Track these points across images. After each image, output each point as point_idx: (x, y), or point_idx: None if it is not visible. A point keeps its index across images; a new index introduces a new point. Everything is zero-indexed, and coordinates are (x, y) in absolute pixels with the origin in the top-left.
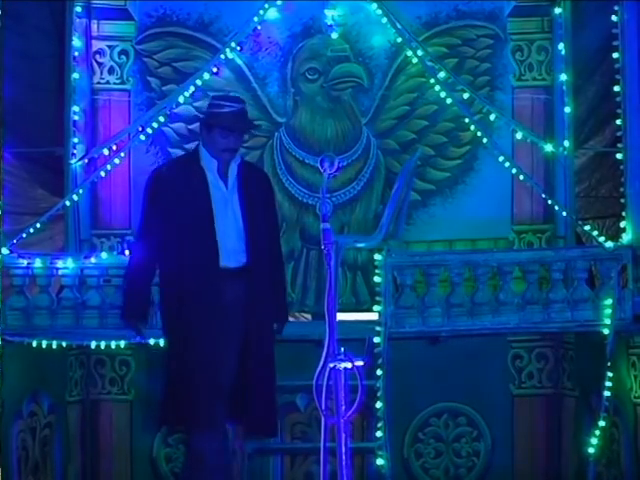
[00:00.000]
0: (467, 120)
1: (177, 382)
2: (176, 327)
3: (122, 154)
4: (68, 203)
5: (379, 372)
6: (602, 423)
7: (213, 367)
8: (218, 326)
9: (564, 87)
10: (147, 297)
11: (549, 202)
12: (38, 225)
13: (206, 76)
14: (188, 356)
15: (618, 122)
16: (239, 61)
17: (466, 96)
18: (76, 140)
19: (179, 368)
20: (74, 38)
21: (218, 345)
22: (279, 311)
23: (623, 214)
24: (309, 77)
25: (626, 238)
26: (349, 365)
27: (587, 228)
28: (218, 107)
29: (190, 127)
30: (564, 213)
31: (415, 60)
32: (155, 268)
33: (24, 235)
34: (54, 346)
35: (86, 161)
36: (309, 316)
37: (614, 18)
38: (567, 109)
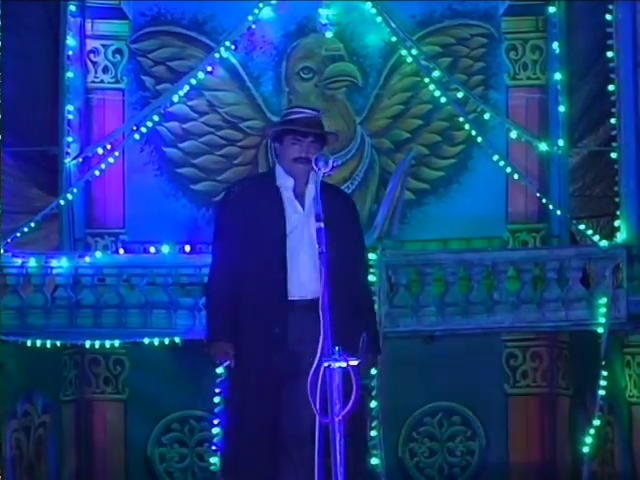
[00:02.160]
0: (461, 119)
1: (234, 437)
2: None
3: (116, 153)
4: (62, 202)
5: (373, 371)
6: (597, 422)
7: (270, 419)
8: (283, 368)
9: (558, 86)
10: (233, 318)
11: (543, 201)
12: (32, 224)
13: (200, 75)
14: (248, 405)
15: (612, 121)
16: (233, 60)
17: (460, 95)
18: (70, 139)
19: (238, 421)
20: (68, 37)
21: (280, 389)
22: (368, 340)
23: (617, 213)
24: (303, 76)
25: (620, 237)
26: (344, 364)
27: (581, 227)
28: (290, 114)
29: (184, 126)
30: (558, 212)
31: (409, 59)
32: (237, 288)
33: (18, 234)
34: (48, 345)
35: (80, 160)
36: None
37: (608, 17)
38: (561, 108)
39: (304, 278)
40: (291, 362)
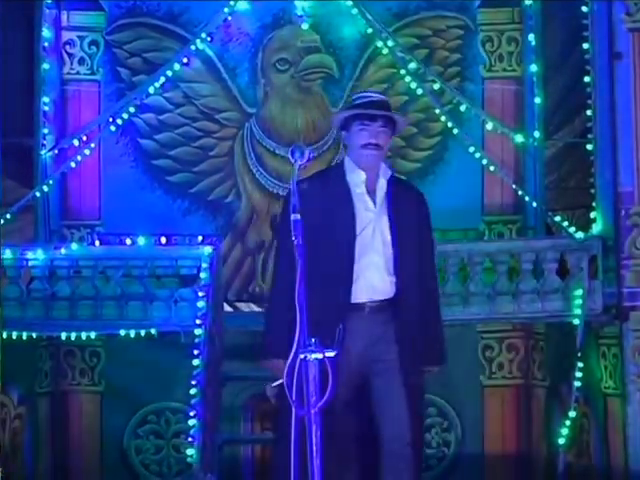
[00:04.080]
0: (437, 111)
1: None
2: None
3: (92, 145)
4: (38, 194)
5: None
6: (572, 413)
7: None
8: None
9: (534, 78)
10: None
11: (519, 193)
12: (8, 216)
13: (176, 67)
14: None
15: (588, 113)
16: (209, 52)
17: (436, 87)
18: (46, 131)
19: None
20: (44, 29)
21: (348, 398)
22: (431, 351)
23: (593, 205)
24: (279, 68)
25: (596, 229)
26: (320, 356)
27: (557, 219)
28: (356, 99)
29: (160, 118)
30: (534, 204)
31: (385, 51)
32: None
33: None
34: (24, 337)
35: (56, 152)
36: None
37: (584, 9)
38: (537, 100)
39: (375, 280)
40: (361, 368)
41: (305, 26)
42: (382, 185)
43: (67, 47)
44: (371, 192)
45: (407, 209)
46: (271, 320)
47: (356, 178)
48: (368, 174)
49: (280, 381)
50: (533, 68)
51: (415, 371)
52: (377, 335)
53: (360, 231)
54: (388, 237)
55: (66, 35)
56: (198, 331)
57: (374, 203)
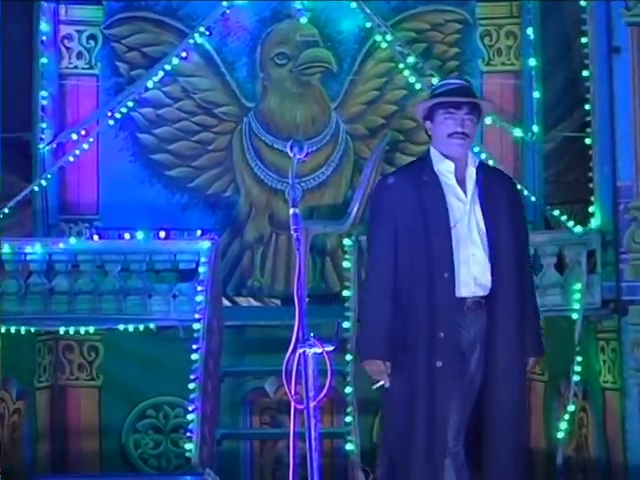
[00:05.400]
0: None
1: (397, 439)
2: (398, 371)
3: (90, 139)
4: (36, 188)
5: (348, 357)
6: (571, 408)
7: (440, 425)
8: (452, 371)
9: (533, 72)
10: (392, 330)
11: (518, 187)
12: (6, 210)
13: (175, 61)
14: (411, 407)
15: (587, 107)
16: (208, 46)
17: (435, 81)
18: (44, 125)
19: (397, 425)
20: (42, 23)
21: (450, 395)
22: (532, 342)
23: (592, 199)
24: (278, 62)
25: (594, 223)
26: (318, 350)
27: (556, 213)
28: (438, 88)
29: (159, 112)
30: (533, 198)
31: (384, 45)
32: (398, 290)
33: None
34: (22, 332)
35: (54, 146)
36: (278, 301)
37: (583, 3)
38: (536, 94)
39: (476, 273)
40: (458, 367)
41: (304, 20)
42: (471, 173)
43: (65, 41)
44: (461, 182)
45: (498, 195)
46: (373, 320)
47: (445, 168)
48: (457, 163)
49: (380, 383)
50: (532, 62)
51: (515, 367)
52: (479, 333)
53: (454, 223)
54: (484, 227)
55: (64, 29)
56: (197, 326)
57: (465, 193)
